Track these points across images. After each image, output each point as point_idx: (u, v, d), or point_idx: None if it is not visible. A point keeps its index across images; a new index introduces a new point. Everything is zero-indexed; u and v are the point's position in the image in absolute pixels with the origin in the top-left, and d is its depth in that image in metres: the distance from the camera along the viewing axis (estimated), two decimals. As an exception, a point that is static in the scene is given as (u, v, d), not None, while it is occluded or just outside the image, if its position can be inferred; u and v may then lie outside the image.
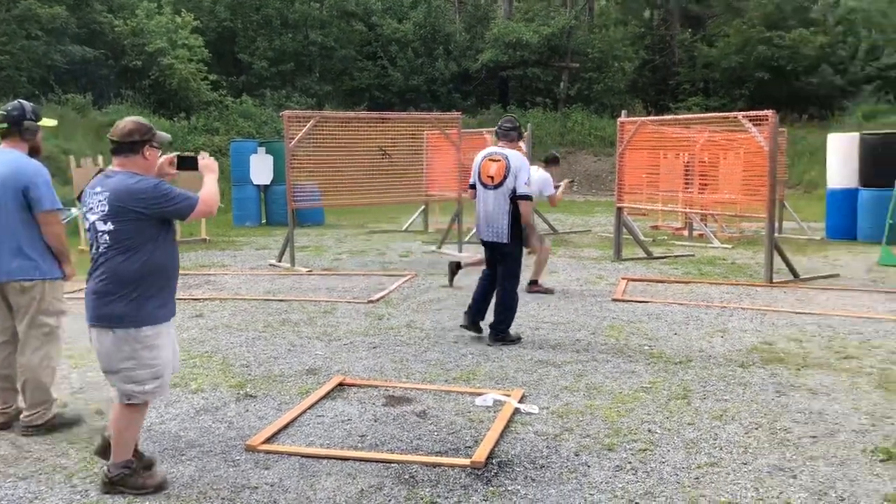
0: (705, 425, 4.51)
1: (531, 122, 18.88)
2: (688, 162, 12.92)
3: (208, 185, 3.82)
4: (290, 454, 4.09)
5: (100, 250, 3.59)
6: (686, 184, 12.81)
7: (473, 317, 6.62)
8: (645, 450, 4.15)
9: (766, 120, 9.12)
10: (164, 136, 3.79)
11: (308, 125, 10.52)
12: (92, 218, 3.60)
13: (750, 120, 9.39)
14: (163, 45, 23.09)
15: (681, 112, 26.20)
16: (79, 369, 5.66)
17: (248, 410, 4.83)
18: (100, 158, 12.48)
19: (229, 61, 28.22)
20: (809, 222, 14.69)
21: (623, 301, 8.14)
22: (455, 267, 8.76)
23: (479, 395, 5.01)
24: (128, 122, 3.69)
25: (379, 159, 12.10)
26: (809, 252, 11.71)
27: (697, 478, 3.80)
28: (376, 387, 5.27)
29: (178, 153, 3.96)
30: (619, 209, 11.34)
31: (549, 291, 8.55)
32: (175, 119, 22.78)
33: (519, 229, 6.38)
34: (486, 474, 3.85)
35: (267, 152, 15.91)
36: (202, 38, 24.75)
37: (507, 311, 6.46)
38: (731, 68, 28.83)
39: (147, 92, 24.07)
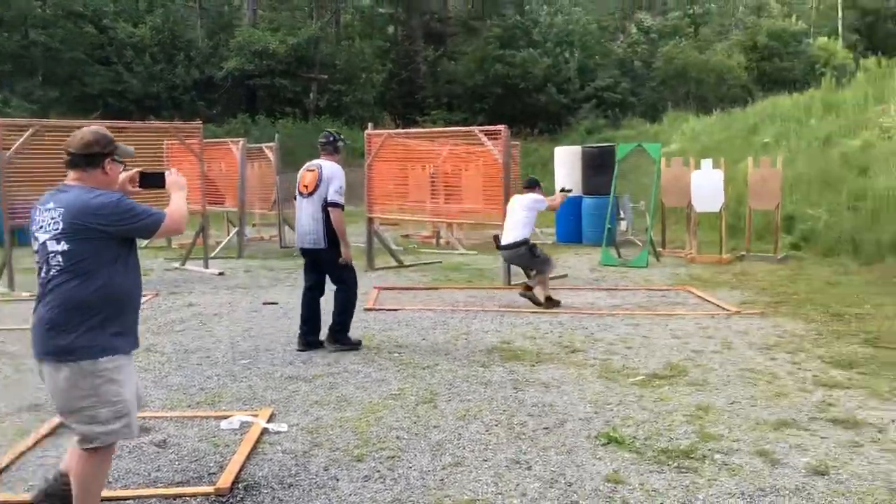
0: (450, 426, 4.69)
1: (280, 132, 18.59)
2: (433, 174, 13.48)
3: (177, 201, 3.43)
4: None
5: (51, 274, 3.11)
6: (433, 194, 13.34)
7: (307, 338, 6.58)
8: (393, 457, 4.22)
9: (500, 134, 9.79)
10: (128, 148, 3.34)
11: (26, 134, 9.51)
12: (42, 237, 3.13)
13: (485, 134, 10.03)
14: None
15: (427, 125, 27.27)
16: None
17: (-49, 460, 4.23)
18: None
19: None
20: (542, 227, 15.93)
21: (375, 310, 8.26)
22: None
23: (225, 417, 4.81)
24: (87, 132, 3.24)
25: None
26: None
27: (442, 479, 3.94)
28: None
29: (142, 170, 3.49)
30: (370, 219, 11.53)
31: (556, 303, 8.41)
32: None
33: (335, 235, 6.44)
34: (230, 500, 3.70)
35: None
36: None
37: (343, 314, 6.58)
38: (472, 85, 30.62)
39: None
